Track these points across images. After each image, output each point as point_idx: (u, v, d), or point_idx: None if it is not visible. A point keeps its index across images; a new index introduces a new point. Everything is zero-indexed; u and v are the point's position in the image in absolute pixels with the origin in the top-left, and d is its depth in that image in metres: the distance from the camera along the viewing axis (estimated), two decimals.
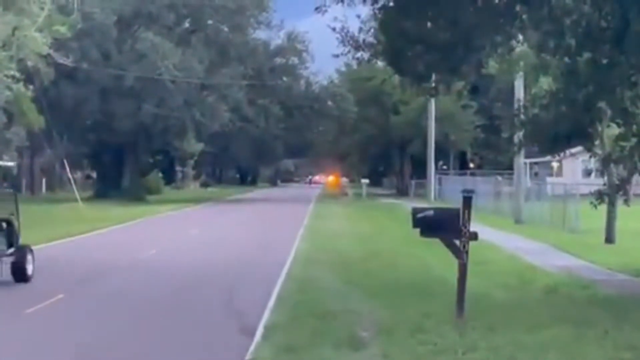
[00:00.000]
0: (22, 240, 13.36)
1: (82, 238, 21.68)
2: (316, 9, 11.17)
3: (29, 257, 13.19)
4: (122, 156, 47.08)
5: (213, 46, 46.73)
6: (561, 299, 11.57)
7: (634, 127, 11.37)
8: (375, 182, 59.75)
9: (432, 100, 31.71)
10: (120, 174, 46.33)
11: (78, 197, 34.58)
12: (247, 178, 79.39)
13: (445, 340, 8.85)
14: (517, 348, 8.43)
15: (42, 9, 28.24)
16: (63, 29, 30.19)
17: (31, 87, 30.73)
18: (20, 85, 28.99)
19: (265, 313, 10.79)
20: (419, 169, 47.17)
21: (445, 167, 52.49)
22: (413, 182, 49.91)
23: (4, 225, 13.16)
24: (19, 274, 12.87)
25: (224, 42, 47.20)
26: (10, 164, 18.11)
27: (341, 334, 9.26)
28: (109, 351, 8.95)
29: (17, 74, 28.34)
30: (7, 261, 12.71)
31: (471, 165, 53.65)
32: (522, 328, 9.33)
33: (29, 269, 13.10)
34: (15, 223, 13.46)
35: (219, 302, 11.91)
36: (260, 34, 51.11)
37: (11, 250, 12.95)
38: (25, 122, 34.04)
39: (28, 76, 30.11)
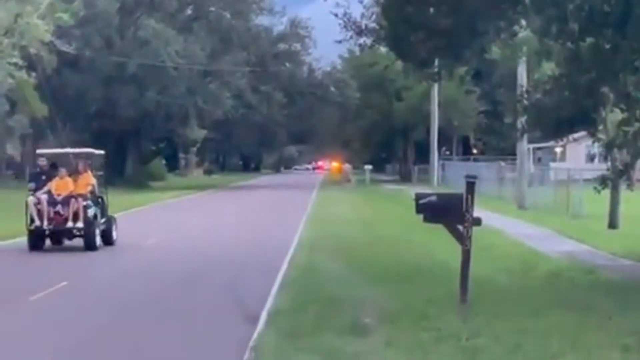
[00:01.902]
0: None
1: None
2: None
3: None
4: (125, 143, 47.39)
5: (215, 33, 47.09)
6: (564, 284, 11.61)
7: (637, 112, 11.36)
8: (379, 168, 59.80)
9: (435, 86, 32.08)
10: (123, 161, 46.47)
11: None
12: (250, 165, 79.95)
13: (449, 326, 8.84)
14: (521, 334, 8.45)
15: None
16: (65, 17, 30.44)
17: (34, 74, 31.00)
18: (23, 72, 29.27)
19: (269, 299, 10.80)
20: (422, 155, 47.60)
21: (448, 152, 53.32)
22: (416, 168, 50.06)
23: (99, 200, 16.47)
24: (107, 239, 16.25)
25: (226, 29, 47.61)
26: None
27: (345, 320, 9.23)
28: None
29: (20, 62, 28.55)
30: (100, 229, 16.09)
31: (474, 151, 54.11)
32: (525, 314, 9.37)
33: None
34: (105, 199, 17.02)
35: (222, 289, 11.98)
36: (263, 20, 51.09)
37: (103, 220, 16.31)
38: (28, 110, 34.31)
39: (30, 64, 30.34)
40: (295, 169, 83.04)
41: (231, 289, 11.93)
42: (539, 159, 37.47)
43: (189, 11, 49.46)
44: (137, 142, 48.46)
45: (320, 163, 66.58)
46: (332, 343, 8.31)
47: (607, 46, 11.00)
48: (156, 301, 11.14)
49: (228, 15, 47.81)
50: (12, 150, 38.71)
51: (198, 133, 53.40)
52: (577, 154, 35.24)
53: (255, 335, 8.94)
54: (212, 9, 48.08)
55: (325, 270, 13.06)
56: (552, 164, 34.41)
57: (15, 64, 28.16)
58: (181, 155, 66.55)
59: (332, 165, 57.49)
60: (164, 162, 56.69)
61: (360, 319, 9.45)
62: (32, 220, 15.31)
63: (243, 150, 72.45)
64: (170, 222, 23.51)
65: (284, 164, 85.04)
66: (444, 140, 47.41)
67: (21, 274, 13.40)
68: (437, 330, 8.71)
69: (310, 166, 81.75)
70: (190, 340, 9.05)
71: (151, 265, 14.49)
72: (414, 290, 10.81)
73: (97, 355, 8.33)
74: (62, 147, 21.79)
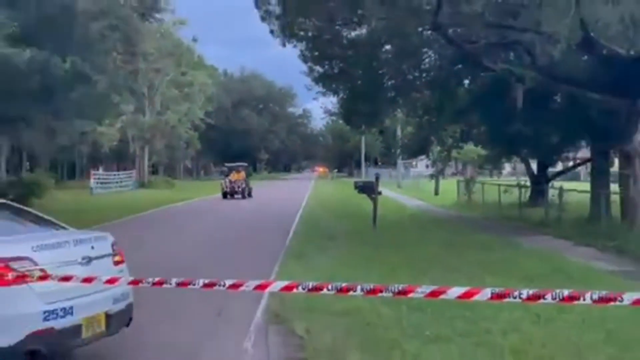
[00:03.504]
0: None
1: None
2: (313, 98, 25.19)
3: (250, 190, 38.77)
4: None
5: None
6: (417, 218, 22.36)
7: (445, 147, 26.29)
8: (340, 170, 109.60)
9: (363, 137, 64.80)
10: None
11: None
12: (288, 167, 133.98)
13: (368, 236, 15.24)
14: (401, 238, 15.07)
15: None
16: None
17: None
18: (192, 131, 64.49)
19: (293, 225, 19.66)
20: (358, 165, 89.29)
21: (368, 164, 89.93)
22: (355, 171, 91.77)
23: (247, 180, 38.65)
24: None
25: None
26: None
27: (325, 234, 16.46)
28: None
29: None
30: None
31: (380, 163, 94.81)
32: (401, 229, 17.58)
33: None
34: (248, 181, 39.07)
35: (274, 221, 23.61)
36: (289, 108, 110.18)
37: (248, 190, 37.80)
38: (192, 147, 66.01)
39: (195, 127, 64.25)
40: (305, 171, 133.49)
41: (281, 220, 22.84)
42: (406, 167, 60.36)
43: None
44: None
45: (317, 168, 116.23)
46: (320, 243, 14.37)
47: (433, 120, 25.63)
48: (255, 220, 22.32)
49: None
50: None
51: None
52: (422, 164, 64.37)
53: (287, 239, 15.64)
54: None
55: (316, 212, 25.48)
56: (411, 169, 64.91)
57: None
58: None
59: (320, 169, 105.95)
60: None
61: (332, 233, 16.46)
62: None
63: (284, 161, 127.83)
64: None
65: (301, 169, 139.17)
66: (367, 159, 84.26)
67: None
68: (364, 237, 14.98)
69: (312, 170, 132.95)
70: (267, 236, 17.32)
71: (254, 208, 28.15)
72: (354, 221, 20.19)
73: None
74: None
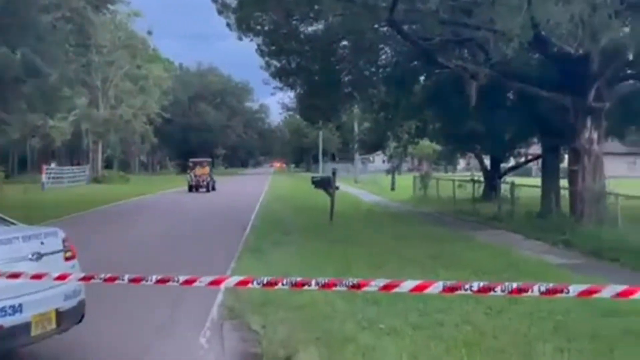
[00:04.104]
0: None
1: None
2: (271, 93, 25.07)
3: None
4: None
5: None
6: (373, 213, 23.12)
7: (401, 143, 26.55)
8: (297, 165, 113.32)
9: (321, 132, 62.24)
10: None
11: None
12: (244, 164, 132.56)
13: (325, 231, 15.52)
14: (358, 232, 15.53)
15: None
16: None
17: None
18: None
19: (250, 221, 19.52)
20: (316, 160, 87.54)
21: (326, 159, 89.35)
22: (313, 166, 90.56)
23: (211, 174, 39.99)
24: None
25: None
26: None
27: (281, 229, 16.67)
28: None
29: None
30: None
31: (337, 158, 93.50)
32: (358, 224, 17.89)
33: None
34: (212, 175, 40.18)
35: (233, 214, 24.26)
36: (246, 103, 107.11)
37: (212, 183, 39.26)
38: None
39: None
40: (263, 166, 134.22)
41: (238, 215, 23.12)
42: (363, 162, 61.74)
43: None
44: None
45: (274, 164, 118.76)
46: (276, 237, 14.51)
47: (390, 116, 25.89)
48: (212, 216, 22.35)
49: None
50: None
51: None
52: (379, 159, 65.76)
53: (244, 234, 15.77)
54: None
55: (274, 207, 25.57)
56: (368, 164, 66.24)
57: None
58: None
59: (278, 164, 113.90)
60: None
61: (288, 228, 16.70)
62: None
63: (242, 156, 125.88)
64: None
65: (258, 164, 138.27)
66: (325, 154, 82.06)
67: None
68: (319, 232, 15.16)
69: (270, 165, 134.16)
70: (224, 231, 17.99)
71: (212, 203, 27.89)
72: (311, 216, 20.44)
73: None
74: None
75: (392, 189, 36.26)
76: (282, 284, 3.95)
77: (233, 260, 11.64)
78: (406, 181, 35.81)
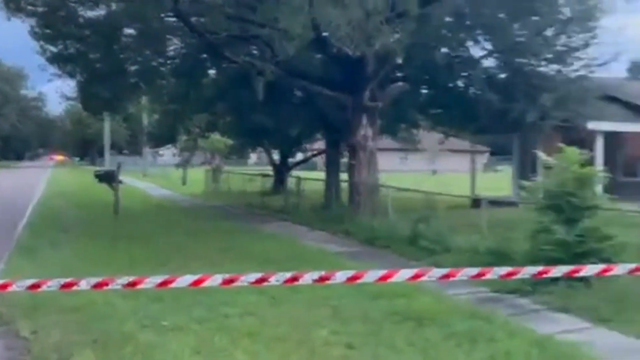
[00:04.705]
0: None
1: None
2: (49, 80, 23.12)
3: None
4: None
5: None
6: (162, 208, 22.62)
7: (192, 136, 26.27)
8: (82, 158, 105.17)
9: (107, 124, 56.14)
10: None
11: None
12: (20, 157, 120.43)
13: (109, 227, 15.17)
14: (145, 228, 15.53)
15: None
16: None
17: None
18: None
19: (25, 218, 18.12)
20: (101, 153, 78.28)
21: (113, 152, 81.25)
22: (99, 159, 79.75)
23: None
24: None
25: None
26: None
27: (60, 225, 15.98)
28: None
29: None
30: None
31: (125, 151, 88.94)
32: (146, 220, 17.51)
33: None
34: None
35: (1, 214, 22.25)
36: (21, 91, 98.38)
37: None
38: None
39: None
40: (42, 159, 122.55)
41: (10, 213, 20.60)
42: (153, 155, 63.80)
43: None
44: None
45: (55, 156, 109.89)
46: (54, 235, 13.85)
47: (180, 108, 25.42)
48: None
49: None
50: None
51: None
52: (169, 153, 62.23)
53: (16, 233, 14.74)
54: None
55: (53, 203, 23.75)
56: (158, 158, 64.03)
57: None
58: None
59: (59, 157, 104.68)
60: None
61: (67, 224, 16.15)
62: None
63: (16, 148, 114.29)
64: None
65: (36, 157, 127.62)
66: (113, 147, 73.47)
67: None
68: (104, 229, 14.86)
69: (50, 158, 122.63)
70: None
71: None
72: (94, 212, 19.52)
73: None
74: None
75: (184, 183, 35.71)
76: (48, 286, 3.69)
77: (1, 262, 10.62)
78: (198, 175, 35.49)
